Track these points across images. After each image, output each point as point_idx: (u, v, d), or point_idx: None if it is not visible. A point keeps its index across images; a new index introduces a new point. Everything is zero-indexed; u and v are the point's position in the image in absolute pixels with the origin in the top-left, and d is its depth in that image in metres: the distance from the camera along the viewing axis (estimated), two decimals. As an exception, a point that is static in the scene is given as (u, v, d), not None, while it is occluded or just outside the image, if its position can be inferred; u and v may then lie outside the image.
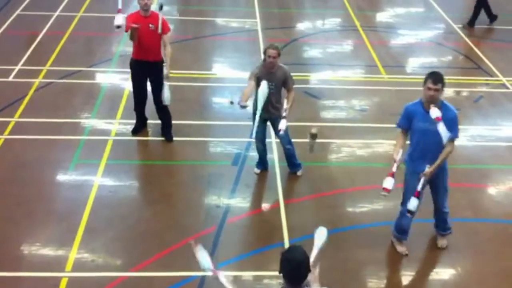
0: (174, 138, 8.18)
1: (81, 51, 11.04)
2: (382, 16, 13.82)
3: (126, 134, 8.46)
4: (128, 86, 9.74)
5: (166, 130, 8.27)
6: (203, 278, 5.99)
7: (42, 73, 10.00)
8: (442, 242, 6.57)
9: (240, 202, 7.21)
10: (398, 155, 5.94)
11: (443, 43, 12.25)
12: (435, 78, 5.65)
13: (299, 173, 7.68)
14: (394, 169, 5.90)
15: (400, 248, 6.45)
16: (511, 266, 6.38)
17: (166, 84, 7.85)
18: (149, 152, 8.21)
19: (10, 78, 9.81)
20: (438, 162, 5.85)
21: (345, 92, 10.00)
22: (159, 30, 7.72)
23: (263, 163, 7.68)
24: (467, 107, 9.68)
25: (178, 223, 6.76)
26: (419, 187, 5.89)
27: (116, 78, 10.10)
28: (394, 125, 8.75)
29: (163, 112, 8.18)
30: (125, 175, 7.60)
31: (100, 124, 8.70)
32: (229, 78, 10.30)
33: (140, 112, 8.33)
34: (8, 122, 8.52)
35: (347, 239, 6.65)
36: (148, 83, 8.07)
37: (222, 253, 6.31)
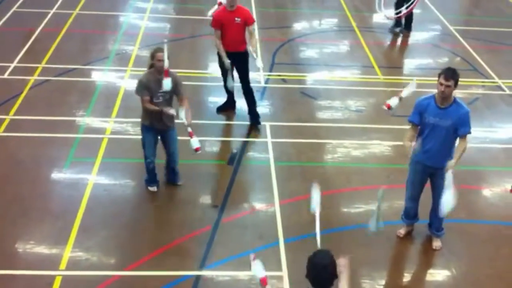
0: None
1: (77, 49, 11.01)
2: (379, 17, 13.80)
3: (121, 132, 8.45)
4: (123, 84, 9.75)
5: (251, 112, 8.69)
6: (197, 277, 5.99)
7: (38, 71, 9.97)
8: (436, 243, 6.58)
9: (235, 201, 7.20)
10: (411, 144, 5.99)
11: (440, 45, 12.27)
12: (447, 74, 5.70)
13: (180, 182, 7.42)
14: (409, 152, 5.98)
15: (400, 230, 6.68)
16: (506, 268, 6.40)
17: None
18: (144, 150, 8.20)
19: (6, 75, 9.78)
20: (457, 156, 5.87)
21: (341, 92, 10.00)
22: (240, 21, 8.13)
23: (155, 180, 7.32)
24: (463, 109, 9.69)
25: (173, 222, 6.75)
26: (447, 183, 5.78)
27: (112, 77, 10.08)
28: (391, 126, 8.82)
29: (247, 95, 8.60)
30: (120, 173, 7.58)
31: (95, 122, 8.68)
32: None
33: (230, 96, 8.94)
34: (3, 120, 8.49)
35: (342, 239, 6.65)
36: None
37: (217, 253, 6.31)
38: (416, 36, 12.68)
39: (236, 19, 8.12)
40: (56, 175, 7.51)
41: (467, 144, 6.01)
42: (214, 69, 10.65)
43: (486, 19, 13.95)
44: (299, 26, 12.90)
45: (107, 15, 12.72)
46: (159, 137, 7.05)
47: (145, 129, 6.90)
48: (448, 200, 5.77)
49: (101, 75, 10.10)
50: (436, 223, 6.51)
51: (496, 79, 10.69)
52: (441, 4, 14.49)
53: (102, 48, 11.08)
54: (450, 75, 5.70)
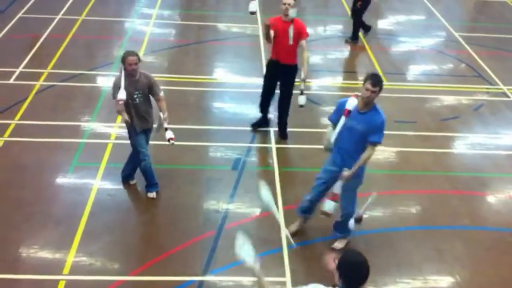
0: (174, 142, 8.15)
1: (83, 55, 11.06)
2: (383, 23, 13.84)
3: (126, 137, 8.43)
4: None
5: (281, 127, 8.67)
6: (200, 282, 5.99)
7: (43, 76, 10.01)
8: (337, 244, 6.58)
9: (239, 207, 7.21)
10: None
11: (444, 51, 12.27)
12: (374, 80, 5.70)
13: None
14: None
15: (291, 225, 6.67)
16: (510, 275, 6.38)
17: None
18: (148, 156, 8.22)
19: (11, 81, 9.83)
20: (356, 167, 5.89)
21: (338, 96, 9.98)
22: (291, 35, 7.93)
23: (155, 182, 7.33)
24: (468, 115, 9.69)
25: (177, 227, 6.75)
26: (336, 190, 5.99)
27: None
28: (394, 132, 8.81)
29: (282, 108, 8.55)
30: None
31: (100, 127, 8.70)
32: (230, 83, 10.31)
33: (264, 110, 8.74)
34: (8, 125, 8.52)
35: (346, 245, 6.64)
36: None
37: (221, 258, 6.31)
38: (421, 42, 12.68)
39: (289, 30, 7.99)
40: (60, 180, 7.53)
41: (373, 153, 5.96)
42: (219, 75, 10.71)
43: (491, 25, 13.94)
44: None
45: (113, 21, 12.77)
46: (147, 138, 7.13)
47: (133, 132, 6.93)
48: (329, 203, 6.02)
49: (106, 81, 10.13)
50: (339, 227, 6.54)
51: (501, 86, 10.68)
52: (446, 11, 14.50)
53: (107, 53, 11.13)
54: (377, 81, 5.70)
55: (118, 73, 6.93)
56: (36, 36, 11.57)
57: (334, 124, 6.02)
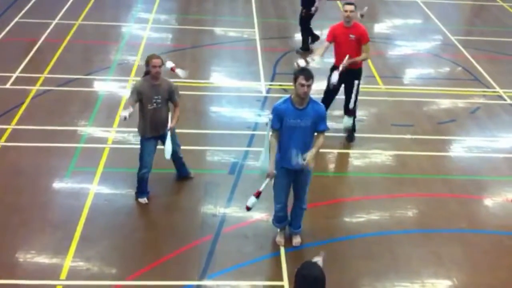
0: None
1: (79, 59, 11.06)
2: (380, 28, 13.87)
3: (123, 142, 8.47)
4: (125, 94, 9.76)
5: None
6: (198, 287, 5.98)
7: (40, 81, 10.00)
8: (296, 240, 6.61)
9: (236, 211, 7.20)
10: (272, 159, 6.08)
11: (441, 55, 12.29)
12: (306, 74, 5.73)
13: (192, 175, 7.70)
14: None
15: (278, 238, 6.60)
16: (507, 278, 6.37)
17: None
18: (146, 160, 8.20)
19: (8, 85, 9.82)
20: (314, 151, 5.94)
21: (342, 102, 9.98)
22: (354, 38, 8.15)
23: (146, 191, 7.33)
24: (464, 118, 9.71)
25: (174, 232, 6.73)
26: (261, 188, 6.15)
27: (113, 86, 10.10)
28: (391, 136, 8.82)
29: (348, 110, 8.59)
30: (122, 183, 7.58)
31: (97, 132, 8.69)
32: (227, 87, 10.31)
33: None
34: (5, 129, 8.51)
35: (344, 249, 6.64)
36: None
37: (218, 263, 6.29)
38: (418, 46, 12.71)
39: (350, 36, 8.13)
40: (57, 184, 7.51)
41: (324, 139, 6.10)
42: (216, 79, 10.71)
43: (487, 29, 13.99)
44: (300, 36, 12.91)
45: (109, 26, 12.78)
46: (157, 145, 7.11)
47: (145, 140, 6.94)
48: (252, 199, 6.19)
49: (103, 85, 10.13)
50: (296, 223, 6.60)
51: (497, 89, 10.70)
52: (442, 15, 14.54)
53: (104, 58, 11.13)
54: (309, 74, 5.74)
55: (137, 79, 6.99)
56: (32, 40, 11.57)
57: (277, 129, 5.98)
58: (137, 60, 11.00)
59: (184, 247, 6.52)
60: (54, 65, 10.62)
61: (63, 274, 6.03)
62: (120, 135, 8.61)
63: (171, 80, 7.03)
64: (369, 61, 11.52)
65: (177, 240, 6.60)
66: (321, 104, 6.11)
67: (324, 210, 7.26)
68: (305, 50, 11.85)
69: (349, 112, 8.59)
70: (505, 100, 10.37)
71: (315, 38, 12.14)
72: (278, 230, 6.65)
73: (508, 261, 6.62)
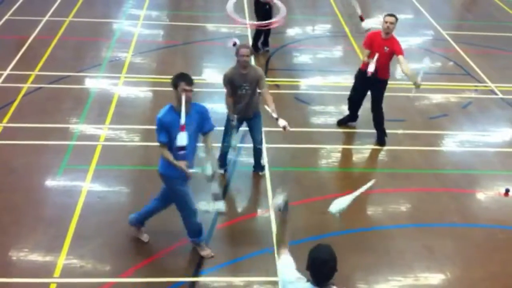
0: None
1: (70, 56, 11.01)
2: (372, 23, 13.85)
3: (115, 139, 8.44)
4: (117, 91, 9.75)
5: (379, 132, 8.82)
6: (192, 283, 5.98)
7: (31, 78, 9.95)
8: (204, 252, 6.38)
9: (230, 207, 7.18)
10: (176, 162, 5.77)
11: (432, 50, 12.32)
12: (188, 80, 5.67)
13: (261, 173, 7.81)
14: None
15: (204, 252, 6.36)
16: (500, 272, 6.41)
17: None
18: (138, 157, 8.17)
19: (-1, 83, 9.77)
20: (210, 154, 6.03)
21: (334, 97, 10.02)
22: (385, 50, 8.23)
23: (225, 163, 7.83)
24: (456, 113, 9.75)
25: (167, 228, 6.72)
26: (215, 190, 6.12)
27: (105, 84, 10.07)
28: (387, 131, 8.81)
29: (376, 120, 8.72)
30: (114, 180, 7.57)
31: (89, 129, 8.66)
32: (219, 84, 10.25)
33: (353, 111, 9.07)
34: (-4, 127, 8.47)
35: (338, 244, 6.56)
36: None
37: (212, 259, 6.30)
38: (409, 41, 12.72)
39: (385, 48, 8.18)
40: (49, 182, 7.49)
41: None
42: (208, 75, 10.70)
43: (478, 23, 14.04)
44: (292, 32, 12.93)
45: (100, 22, 12.72)
46: (240, 127, 7.46)
47: (231, 119, 7.27)
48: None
49: (94, 82, 10.09)
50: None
51: (489, 83, 10.75)
52: (433, 9, 14.58)
53: (95, 55, 11.08)
54: (191, 79, 5.68)
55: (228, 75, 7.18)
56: (23, 38, 11.51)
57: (165, 143, 5.74)
58: (128, 57, 10.97)
59: (178, 243, 6.52)
60: (45, 62, 10.57)
61: (57, 272, 6.02)
62: (112, 132, 8.59)
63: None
64: (360, 56, 11.55)
65: (171, 236, 6.60)
66: (201, 104, 5.99)
67: (318, 206, 7.27)
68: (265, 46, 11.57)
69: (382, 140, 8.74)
70: (496, 94, 10.42)
71: (265, 45, 11.60)
72: (201, 244, 6.38)
73: (500, 255, 6.66)
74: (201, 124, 5.88)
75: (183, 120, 5.57)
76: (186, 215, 6.17)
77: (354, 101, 8.93)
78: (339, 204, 5.87)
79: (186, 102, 5.65)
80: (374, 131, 8.87)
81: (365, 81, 8.39)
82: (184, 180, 5.96)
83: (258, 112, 7.46)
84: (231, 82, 7.10)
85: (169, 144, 5.72)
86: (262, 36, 11.43)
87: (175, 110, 5.69)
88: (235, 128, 7.33)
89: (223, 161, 7.72)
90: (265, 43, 11.57)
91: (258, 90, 7.29)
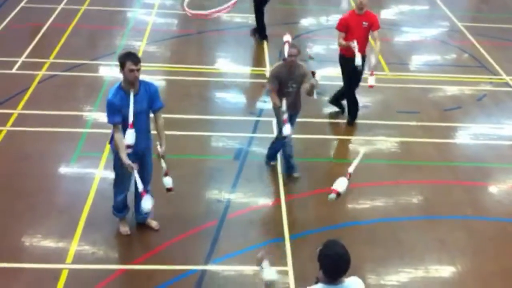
0: (176, 132, 8.15)
1: (85, 45, 11.05)
2: (387, 14, 13.79)
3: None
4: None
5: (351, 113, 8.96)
6: (203, 272, 6.01)
7: (46, 66, 10.01)
8: (153, 223, 6.54)
9: (241, 197, 7.22)
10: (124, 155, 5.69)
11: (448, 41, 12.22)
12: (134, 58, 5.60)
13: (296, 174, 7.61)
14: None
15: (122, 228, 6.46)
16: (511, 265, 6.37)
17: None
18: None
19: (14, 70, 9.83)
20: (164, 140, 6.00)
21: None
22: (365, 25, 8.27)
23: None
24: (470, 105, 9.68)
25: (179, 217, 6.76)
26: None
27: (119, 72, 10.07)
28: (397, 122, 8.79)
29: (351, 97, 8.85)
30: (127, 168, 7.59)
31: (102, 117, 8.65)
32: (232, 73, 10.30)
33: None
34: (11, 114, 8.53)
35: (347, 235, 6.64)
36: None
37: (223, 248, 6.33)
38: (424, 32, 12.64)
39: (363, 23, 8.22)
40: (63, 169, 7.55)
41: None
42: (221, 65, 10.69)
43: (495, 15, 13.88)
44: (306, 22, 12.88)
45: (115, 11, 12.75)
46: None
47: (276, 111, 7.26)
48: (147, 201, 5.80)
49: (108, 70, 10.13)
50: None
51: (504, 76, 10.65)
52: (449, 1, 14.43)
53: (109, 43, 11.12)
54: (138, 58, 5.62)
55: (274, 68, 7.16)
56: (38, 25, 11.57)
57: (119, 123, 5.70)
58: (142, 46, 10.99)
59: (189, 232, 6.55)
60: (59, 50, 10.62)
61: (69, 258, 6.08)
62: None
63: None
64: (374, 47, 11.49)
65: (182, 225, 6.63)
66: (151, 82, 5.95)
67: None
68: (262, 38, 11.51)
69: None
70: (511, 87, 10.31)
71: (264, 35, 11.54)
72: (120, 220, 6.51)
73: (512, 248, 6.63)
74: (150, 102, 5.85)
75: (131, 118, 5.62)
76: (115, 191, 6.31)
77: (348, 85, 8.78)
78: (337, 187, 5.91)
79: (134, 81, 5.64)
80: (386, 122, 8.88)
81: (349, 64, 8.32)
82: (129, 156, 5.81)
83: (299, 110, 7.46)
84: (279, 80, 7.04)
85: (123, 122, 5.70)
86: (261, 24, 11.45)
87: (124, 89, 5.69)
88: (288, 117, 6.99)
89: (274, 153, 7.69)
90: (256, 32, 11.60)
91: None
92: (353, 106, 8.85)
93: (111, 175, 7.41)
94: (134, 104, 5.65)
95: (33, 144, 7.97)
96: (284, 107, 6.91)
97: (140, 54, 10.55)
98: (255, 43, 11.52)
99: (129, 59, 5.58)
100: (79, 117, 8.64)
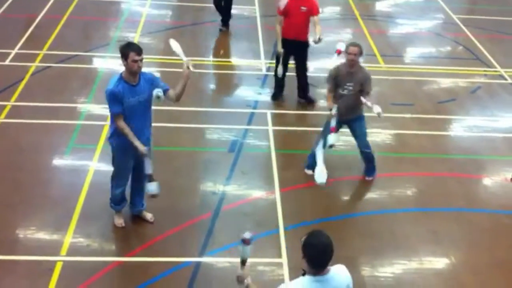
0: (171, 124, 8.15)
1: (79, 36, 11.00)
2: (382, 6, 13.78)
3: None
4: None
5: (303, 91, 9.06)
6: (197, 263, 6.02)
7: (39, 57, 9.96)
8: (148, 215, 6.54)
9: (236, 189, 7.22)
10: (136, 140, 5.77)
11: (442, 34, 12.23)
12: (137, 49, 5.60)
13: (368, 178, 7.47)
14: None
15: (116, 220, 6.44)
16: (505, 257, 6.41)
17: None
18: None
19: (7, 62, 9.77)
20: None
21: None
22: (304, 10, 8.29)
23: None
24: (465, 98, 9.69)
25: (174, 209, 6.76)
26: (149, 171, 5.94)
27: (113, 63, 10.05)
28: (391, 115, 8.80)
29: (302, 81, 8.93)
30: (122, 160, 7.58)
31: (96, 109, 8.67)
32: (227, 65, 10.28)
33: (280, 83, 8.98)
34: (4, 106, 8.49)
35: (343, 227, 6.67)
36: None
37: (218, 240, 6.33)
38: (419, 24, 12.63)
39: (302, 7, 8.18)
40: (57, 161, 7.52)
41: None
42: (215, 57, 10.65)
43: (490, 8, 13.89)
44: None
45: (109, 2, 12.69)
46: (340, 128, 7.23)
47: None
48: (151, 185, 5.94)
49: (102, 62, 10.08)
50: (140, 201, 6.49)
51: (498, 68, 10.66)
52: (444, -7, 14.43)
53: (103, 35, 11.07)
54: (140, 48, 5.62)
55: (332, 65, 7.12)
56: (31, 16, 11.49)
57: (121, 113, 5.71)
58: (136, 37, 10.94)
59: (184, 224, 6.55)
60: (53, 41, 10.57)
61: (64, 250, 6.07)
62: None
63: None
64: (370, 39, 11.50)
65: (177, 217, 6.63)
66: (148, 72, 5.94)
67: (323, 189, 7.27)
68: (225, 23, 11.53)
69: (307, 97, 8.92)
70: (506, 79, 10.34)
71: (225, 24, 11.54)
72: (116, 212, 6.48)
73: (506, 240, 6.65)
74: (153, 90, 5.80)
75: (141, 147, 5.74)
76: (114, 184, 6.28)
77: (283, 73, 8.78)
78: (320, 173, 5.91)
79: (137, 72, 5.65)
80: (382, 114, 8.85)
81: (288, 46, 8.38)
82: (129, 151, 5.89)
83: (360, 115, 7.13)
84: (335, 79, 6.88)
85: (123, 113, 5.71)
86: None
87: (125, 80, 5.69)
88: (337, 123, 6.85)
89: (312, 160, 7.13)
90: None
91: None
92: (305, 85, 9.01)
93: (105, 167, 7.41)
94: (136, 94, 5.71)
95: (27, 136, 7.94)
96: (334, 110, 6.61)
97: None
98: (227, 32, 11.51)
99: (132, 49, 5.58)
100: (73, 109, 8.61)
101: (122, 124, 5.75)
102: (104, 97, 8.76)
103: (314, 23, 8.39)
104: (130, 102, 5.70)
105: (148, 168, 5.89)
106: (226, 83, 9.69)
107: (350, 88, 6.83)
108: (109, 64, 10.04)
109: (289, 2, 8.25)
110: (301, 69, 8.87)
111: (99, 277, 5.80)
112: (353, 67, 6.79)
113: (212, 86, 9.64)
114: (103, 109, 8.59)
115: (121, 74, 5.75)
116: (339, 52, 7.14)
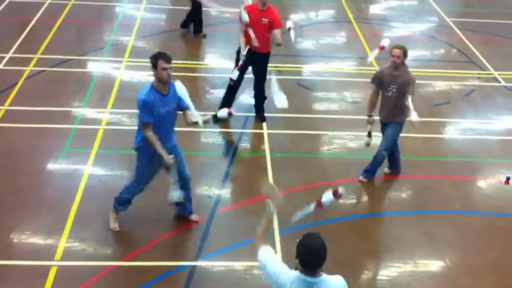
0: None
1: (73, 40, 10.98)
2: (375, 9, 13.82)
3: (117, 123, 8.44)
4: (119, 75, 9.73)
5: (259, 109, 8.70)
6: (193, 267, 6.00)
7: (33, 61, 9.93)
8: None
9: (231, 192, 7.21)
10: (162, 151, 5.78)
11: (436, 36, 12.27)
12: (166, 57, 5.65)
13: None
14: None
15: (113, 225, 6.42)
16: (500, 259, 6.43)
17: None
18: (140, 141, 8.18)
19: (1, 66, 9.75)
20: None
21: (337, 84, 10.00)
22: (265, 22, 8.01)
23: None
24: (459, 101, 9.72)
25: (169, 212, 6.74)
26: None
27: (107, 67, 10.05)
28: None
29: (259, 93, 8.54)
30: (116, 164, 7.57)
31: (91, 113, 8.66)
32: (221, 69, 10.26)
33: (230, 95, 8.50)
34: (-1, 110, 8.47)
35: (338, 230, 6.67)
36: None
37: (213, 243, 6.32)
38: (413, 27, 12.67)
39: (263, 19, 7.99)
40: (51, 165, 7.50)
41: None
42: (209, 60, 10.66)
43: (483, 10, 13.95)
44: (295, 17, 12.84)
45: (103, 6, 12.67)
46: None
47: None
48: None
49: (96, 66, 10.07)
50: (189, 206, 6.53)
51: (492, 71, 10.70)
52: (438, -4, 14.49)
53: (97, 38, 11.05)
54: (169, 57, 5.67)
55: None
56: (25, 20, 11.47)
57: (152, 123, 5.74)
58: (130, 41, 10.93)
59: (179, 228, 6.54)
60: (47, 45, 10.55)
61: (58, 255, 6.04)
62: (114, 116, 8.58)
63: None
64: (364, 42, 11.53)
65: (172, 221, 6.62)
66: (174, 82, 5.92)
67: (318, 191, 7.20)
68: (184, 27, 11.47)
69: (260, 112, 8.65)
70: (499, 82, 10.38)
71: (185, 25, 11.50)
72: (115, 215, 6.46)
73: (500, 242, 6.67)
74: (179, 102, 5.90)
75: (167, 157, 5.78)
76: (131, 185, 6.28)
77: (236, 84, 8.41)
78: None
79: (167, 80, 5.66)
80: (377, 117, 8.84)
81: (248, 57, 8.09)
82: (154, 160, 5.91)
83: (400, 121, 7.15)
84: (380, 80, 6.93)
85: (153, 122, 5.74)
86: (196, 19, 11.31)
87: (157, 90, 5.70)
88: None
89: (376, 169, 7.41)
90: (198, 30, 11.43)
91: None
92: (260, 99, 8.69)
93: (100, 171, 7.42)
94: (166, 104, 5.74)
95: (21, 140, 7.91)
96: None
97: (128, 49, 10.55)
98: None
99: (161, 58, 5.61)
100: (67, 113, 8.58)
101: (150, 134, 5.76)
102: (98, 101, 8.88)
103: (273, 37, 8.11)
104: (160, 111, 5.71)
105: (174, 176, 5.90)
106: (221, 86, 9.67)
107: (394, 89, 6.86)
108: (104, 68, 10.03)
109: (251, 10, 7.97)
110: (259, 80, 8.52)
111: (94, 281, 5.77)
112: (397, 70, 6.81)
113: (205, 89, 9.63)
114: (98, 113, 8.61)
115: (152, 83, 5.75)
116: (381, 48, 7.25)
